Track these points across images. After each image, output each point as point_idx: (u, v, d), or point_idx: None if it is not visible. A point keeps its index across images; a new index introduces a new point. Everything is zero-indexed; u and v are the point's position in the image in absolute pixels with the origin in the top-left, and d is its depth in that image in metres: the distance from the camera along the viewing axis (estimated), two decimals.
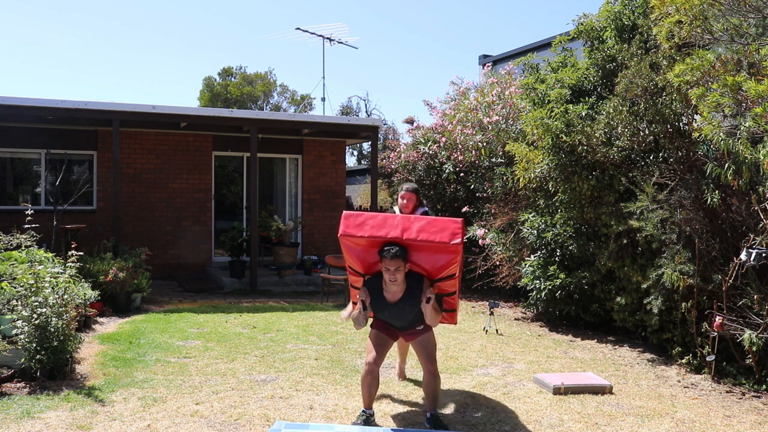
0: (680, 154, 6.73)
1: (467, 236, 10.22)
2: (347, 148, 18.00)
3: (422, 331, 4.58)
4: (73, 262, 6.47)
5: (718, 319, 5.60)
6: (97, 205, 11.96)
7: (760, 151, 4.68)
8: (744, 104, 4.76)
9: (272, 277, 11.50)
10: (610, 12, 7.77)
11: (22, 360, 5.30)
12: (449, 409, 4.93)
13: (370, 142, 12.83)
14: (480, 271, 9.93)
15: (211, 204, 12.83)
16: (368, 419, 4.45)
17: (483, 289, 10.80)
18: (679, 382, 5.90)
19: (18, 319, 5.40)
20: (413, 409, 4.92)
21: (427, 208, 5.77)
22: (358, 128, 12.68)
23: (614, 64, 7.71)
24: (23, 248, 7.05)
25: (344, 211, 4.62)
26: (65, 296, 5.59)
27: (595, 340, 7.62)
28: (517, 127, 9.73)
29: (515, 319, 8.95)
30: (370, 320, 4.76)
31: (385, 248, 4.35)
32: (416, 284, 4.49)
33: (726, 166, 5.36)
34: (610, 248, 7.22)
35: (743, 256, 5.45)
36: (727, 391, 5.61)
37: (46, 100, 10.04)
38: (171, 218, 12.48)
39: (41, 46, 52.35)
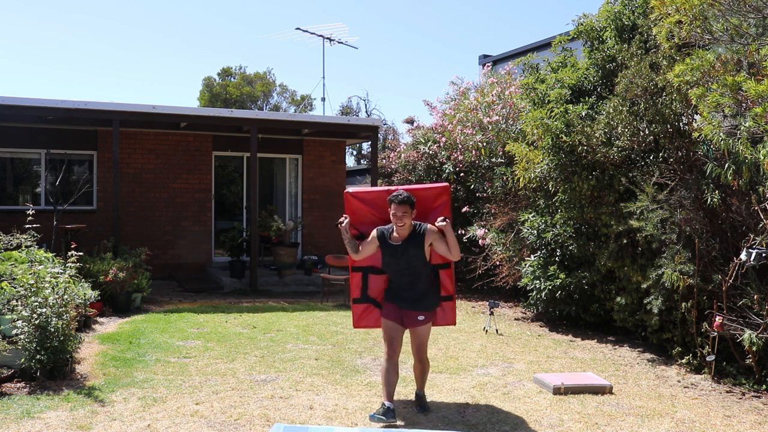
0: (680, 154, 6.73)
1: (467, 236, 10.24)
2: (347, 148, 18.00)
3: (424, 321, 4.77)
4: (73, 262, 6.47)
5: (718, 319, 5.60)
6: (97, 205, 11.96)
7: (760, 151, 4.68)
8: (744, 104, 4.76)
9: (272, 277, 11.50)
10: (610, 12, 7.77)
11: (22, 360, 5.30)
12: (449, 409, 4.93)
13: (370, 142, 12.84)
14: (480, 271, 9.93)
15: (211, 204, 12.84)
16: (387, 411, 4.47)
17: (483, 289, 10.80)
18: (679, 382, 5.90)
19: (18, 319, 5.40)
20: (412, 408, 4.92)
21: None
22: (358, 128, 12.68)
23: (614, 64, 7.71)
24: (23, 248, 7.05)
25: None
26: (65, 296, 5.59)
27: (595, 340, 7.62)
28: (517, 127, 9.73)
29: (515, 319, 8.95)
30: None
31: (393, 194, 4.72)
32: (421, 229, 4.74)
33: (726, 166, 5.36)
34: (610, 248, 7.22)
35: (743, 256, 5.45)
36: (727, 391, 5.61)
37: (46, 100, 10.04)
38: (171, 218, 12.48)
39: (41, 46, 52.35)
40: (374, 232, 4.84)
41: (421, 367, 4.89)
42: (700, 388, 5.72)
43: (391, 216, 4.72)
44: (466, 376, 5.86)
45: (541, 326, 8.45)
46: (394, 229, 4.75)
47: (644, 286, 6.64)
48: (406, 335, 5.02)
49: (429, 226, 4.77)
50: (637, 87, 6.63)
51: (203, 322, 8.04)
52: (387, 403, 4.53)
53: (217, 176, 13.06)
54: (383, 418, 4.43)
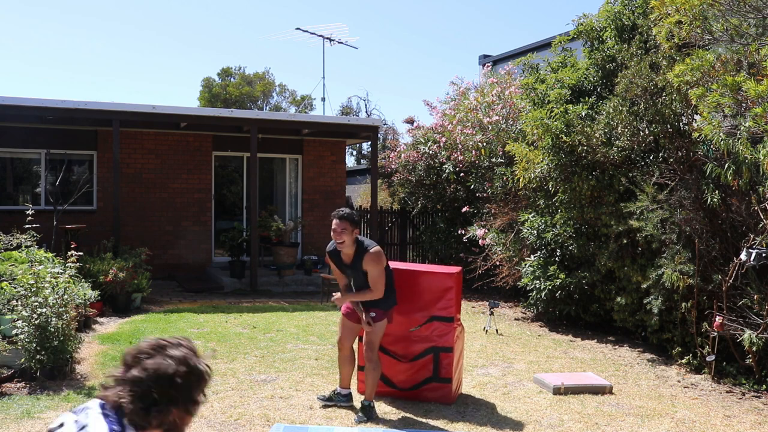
0: (680, 154, 6.73)
1: (467, 236, 10.24)
2: (347, 148, 18.00)
3: (376, 318, 4.79)
4: (73, 262, 6.47)
5: (718, 319, 5.60)
6: (97, 205, 11.95)
7: (760, 151, 4.67)
8: (744, 104, 4.76)
9: (272, 277, 11.49)
10: (610, 12, 7.77)
11: (22, 360, 5.30)
12: (449, 409, 4.93)
13: (370, 142, 12.83)
14: (480, 271, 9.93)
15: (211, 204, 12.83)
16: (333, 395, 4.92)
17: (483, 289, 10.80)
18: (679, 382, 5.90)
19: (18, 319, 5.39)
20: (413, 409, 4.92)
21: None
22: (358, 128, 12.67)
23: (614, 64, 7.71)
24: (23, 248, 7.05)
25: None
26: (65, 296, 5.59)
27: (595, 340, 7.62)
28: (517, 127, 9.72)
29: (515, 319, 8.95)
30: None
31: (336, 210, 4.73)
32: (362, 252, 4.70)
33: (726, 166, 5.36)
34: (610, 248, 7.22)
35: (743, 256, 5.45)
36: (727, 391, 5.61)
37: (46, 100, 10.03)
38: (171, 218, 12.47)
39: (41, 46, 52.39)
40: (327, 256, 5.00)
41: (368, 367, 4.74)
42: (700, 388, 5.72)
43: (332, 232, 4.71)
44: (466, 376, 5.86)
45: (541, 326, 8.45)
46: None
47: (644, 286, 6.64)
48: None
49: (370, 251, 4.65)
50: (637, 87, 6.63)
51: (203, 322, 8.04)
52: (338, 389, 4.96)
53: (217, 176, 13.05)
54: (324, 396, 4.96)
